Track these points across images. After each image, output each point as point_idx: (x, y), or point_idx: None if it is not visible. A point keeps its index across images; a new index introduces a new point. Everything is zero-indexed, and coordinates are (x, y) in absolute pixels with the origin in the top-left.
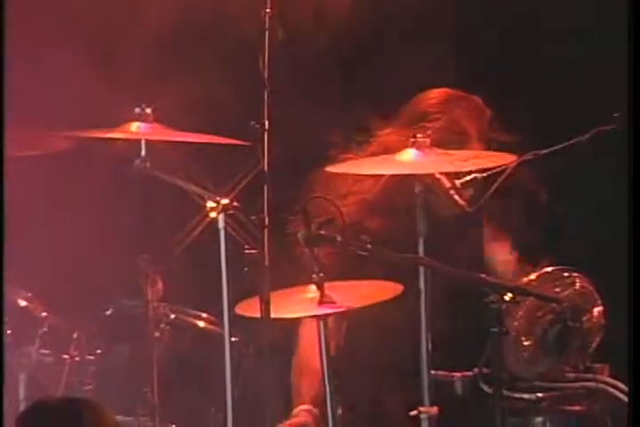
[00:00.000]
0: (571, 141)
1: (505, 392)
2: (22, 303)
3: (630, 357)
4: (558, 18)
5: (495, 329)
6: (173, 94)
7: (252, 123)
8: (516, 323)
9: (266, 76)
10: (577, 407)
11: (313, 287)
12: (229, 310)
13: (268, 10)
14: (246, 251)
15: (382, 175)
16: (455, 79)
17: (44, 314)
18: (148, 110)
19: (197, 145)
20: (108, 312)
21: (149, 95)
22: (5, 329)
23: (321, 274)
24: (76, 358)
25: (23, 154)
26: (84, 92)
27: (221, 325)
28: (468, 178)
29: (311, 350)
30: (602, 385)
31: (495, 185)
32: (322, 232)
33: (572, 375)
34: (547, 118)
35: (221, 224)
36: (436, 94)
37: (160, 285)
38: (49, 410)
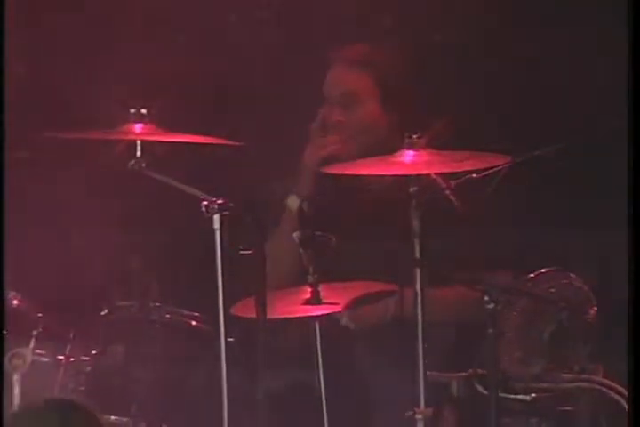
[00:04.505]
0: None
1: (500, 393)
2: (17, 304)
3: (630, 357)
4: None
5: (490, 330)
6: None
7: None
8: (511, 324)
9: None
10: (572, 408)
11: (308, 288)
12: (225, 311)
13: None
14: (241, 251)
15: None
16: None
17: (39, 315)
18: (144, 111)
19: (194, 145)
20: (103, 313)
21: (145, 96)
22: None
23: (316, 275)
24: (72, 359)
25: (17, 155)
26: (79, 93)
27: (216, 325)
28: (464, 178)
29: None
30: (597, 386)
31: (492, 186)
32: (317, 233)
33: (566, 376)
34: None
35: (217, 224)
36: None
37: (155, 285)
38: (34, 412)
